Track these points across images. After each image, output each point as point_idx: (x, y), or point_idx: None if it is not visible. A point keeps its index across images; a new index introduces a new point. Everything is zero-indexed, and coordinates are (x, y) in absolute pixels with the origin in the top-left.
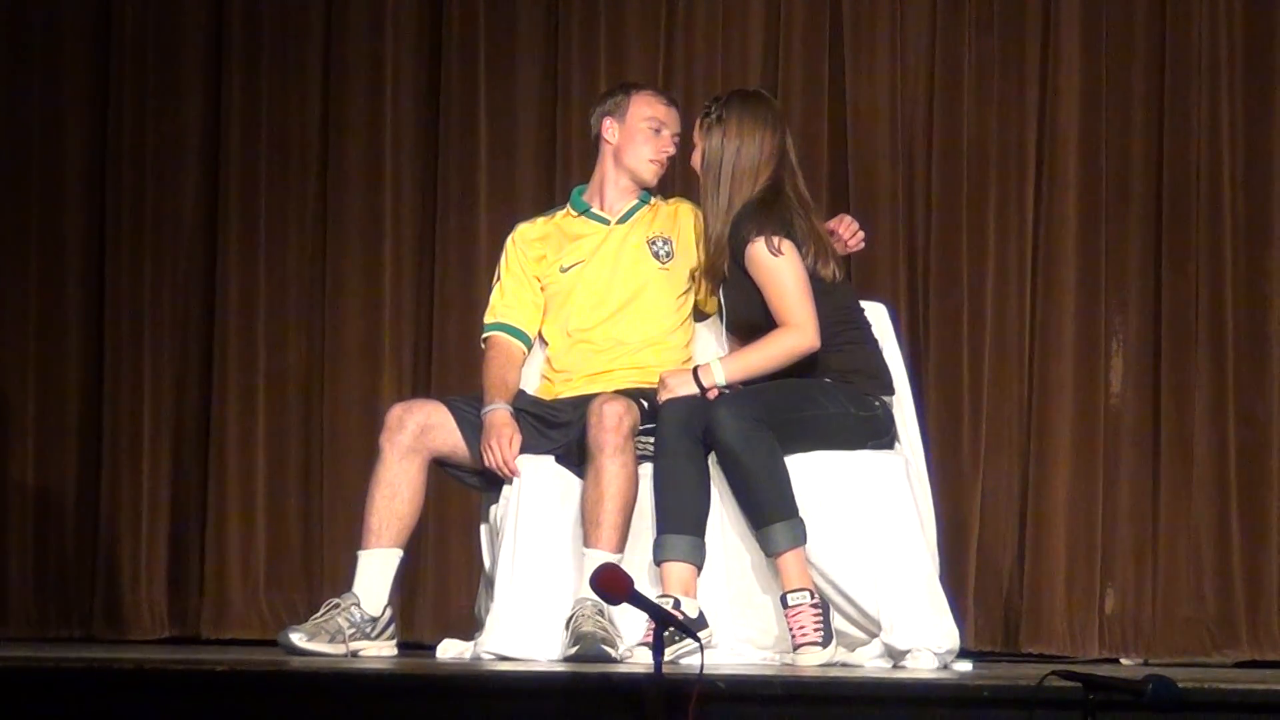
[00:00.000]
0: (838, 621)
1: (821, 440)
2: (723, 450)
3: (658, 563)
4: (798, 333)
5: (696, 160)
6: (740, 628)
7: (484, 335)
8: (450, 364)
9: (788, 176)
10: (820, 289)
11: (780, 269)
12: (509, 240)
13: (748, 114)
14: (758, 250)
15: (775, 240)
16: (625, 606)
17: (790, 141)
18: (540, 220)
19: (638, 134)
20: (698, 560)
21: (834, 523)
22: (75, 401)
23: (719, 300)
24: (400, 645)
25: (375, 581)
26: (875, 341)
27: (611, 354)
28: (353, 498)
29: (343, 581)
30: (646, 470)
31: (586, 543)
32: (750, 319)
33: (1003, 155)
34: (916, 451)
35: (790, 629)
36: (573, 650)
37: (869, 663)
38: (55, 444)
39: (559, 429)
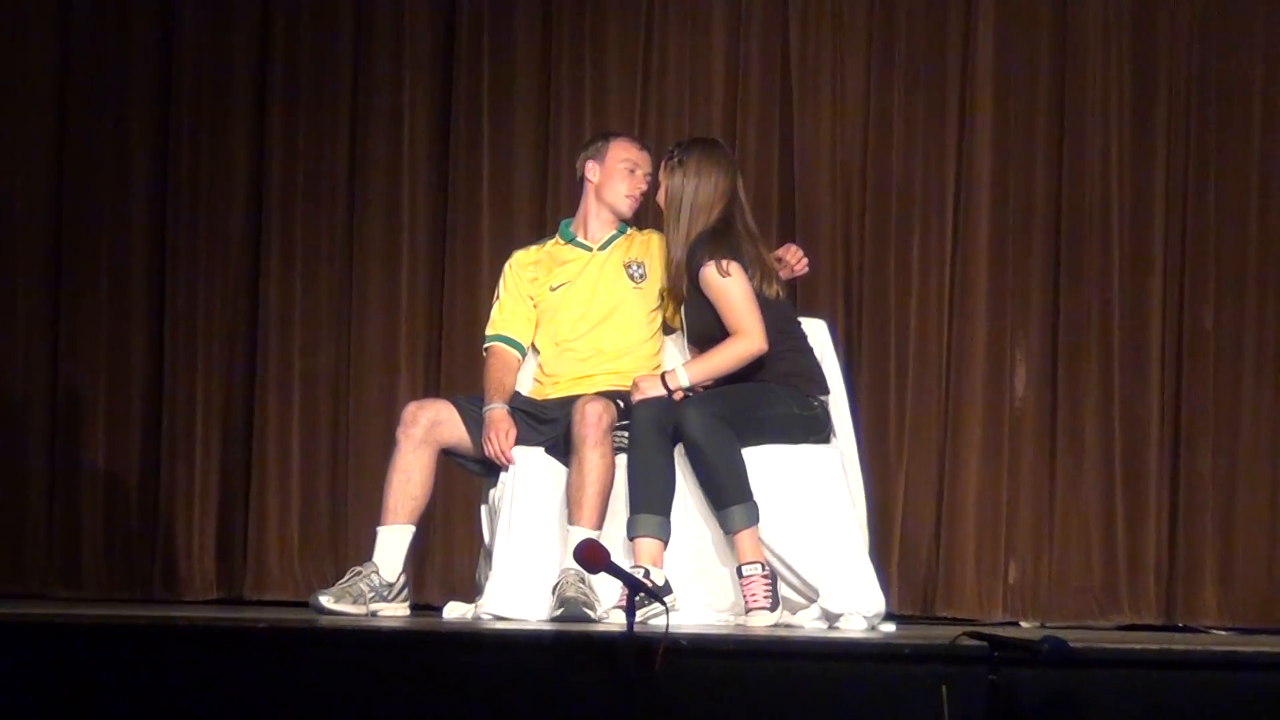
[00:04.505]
0: (783, 589)
1: (771, 435)
2: (690, 443)
3: (631, 538)
4: (747, 339)
5: (661, 196)
6: (701, 594)
7: (485, 345)
8: (457, 369)
9: (738, 211)
10: (764, 305)
11: (729, 287)
12: (507, 264)
13: (704, 157)
14: (709, 272)
15: (724, 263)
16: (603, 575)
17: (740, 181)
18: (533, 247)
19: (616, 174)
20: (665, 536)
21: (781, 506)
22: (139, 398)
23: (681, 316)
24: (412, 607)
25: (392, 552)
26: (811, 350)
27: (593, 361)
28: (373, 481)
29: (364, 552)
30: (622, 460)
31: (570, 521)
32: (707, 331)
33: (925, 194)
34: (850, 446)
35: (744, 595)
36: (558, 612)
37: (809, 624)
38: (122, 434)
39: (548, 424)
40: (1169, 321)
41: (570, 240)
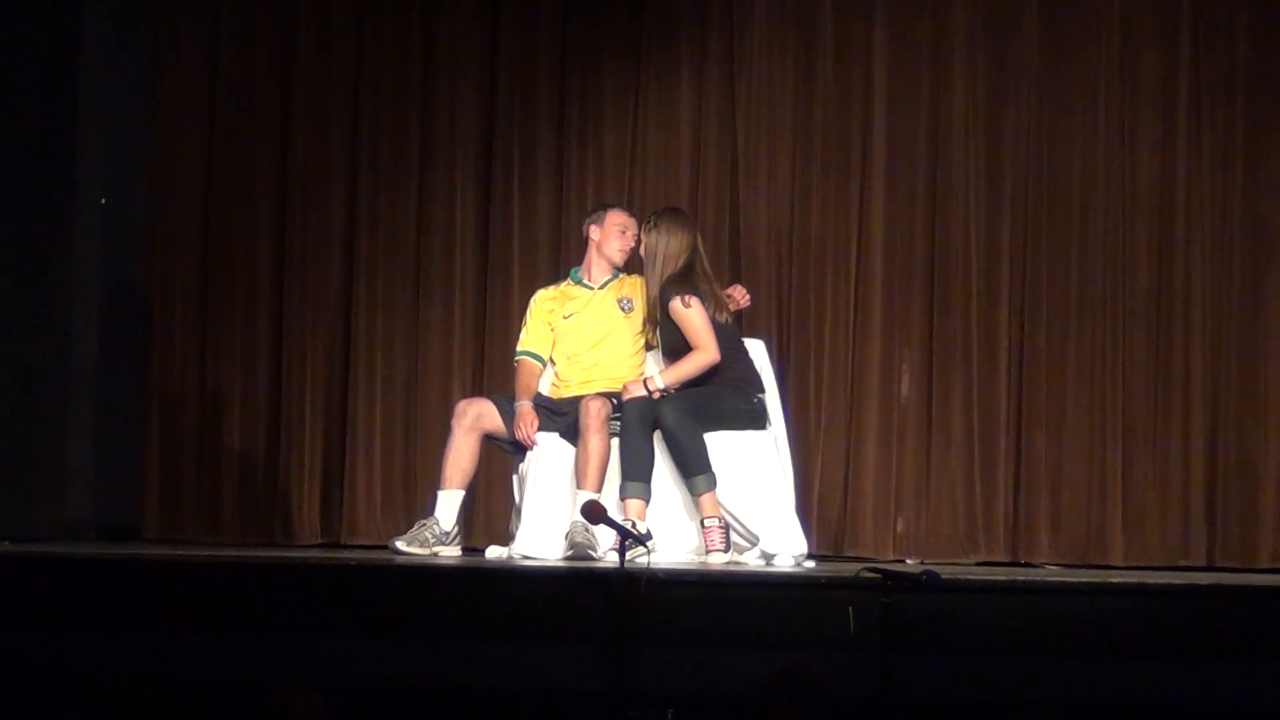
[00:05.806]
0: (733, 537)
1: (725, 424)
2: (666, 430)
3: (622, 499)
4: (705, 353)
5: (642, 250)
6: (673, 540)
7: (516, 358)
8: (496, 375)
9: (698, 259)
10: (717, 328)
11: (690, 315)
12: (532, 300)
13: (673, 221)
14: (675, 304)
15: (686, 298)
16: (602, 526)
17: (699, 237)
18: (551, 288)
19: (611, 234)
20: (647, 497)
21: (732, 476)
22: (264, 398)
23: (657, 336)
24: (463, 549)
25: (448, 509)
26: (752, 361)
27: (594, 370)
28: (434, 458)
29: (428, 509)
30: (615, 442)
31: (578, 486)
32: (676, 347)
33: (835, 249)
34: (781, 432)
35: (705, 541)
36: (569, 553)
37: (752, 562)
38: (251, 424)
39: (562, 416)
40: (1013, 341)
41: (578, 282)
